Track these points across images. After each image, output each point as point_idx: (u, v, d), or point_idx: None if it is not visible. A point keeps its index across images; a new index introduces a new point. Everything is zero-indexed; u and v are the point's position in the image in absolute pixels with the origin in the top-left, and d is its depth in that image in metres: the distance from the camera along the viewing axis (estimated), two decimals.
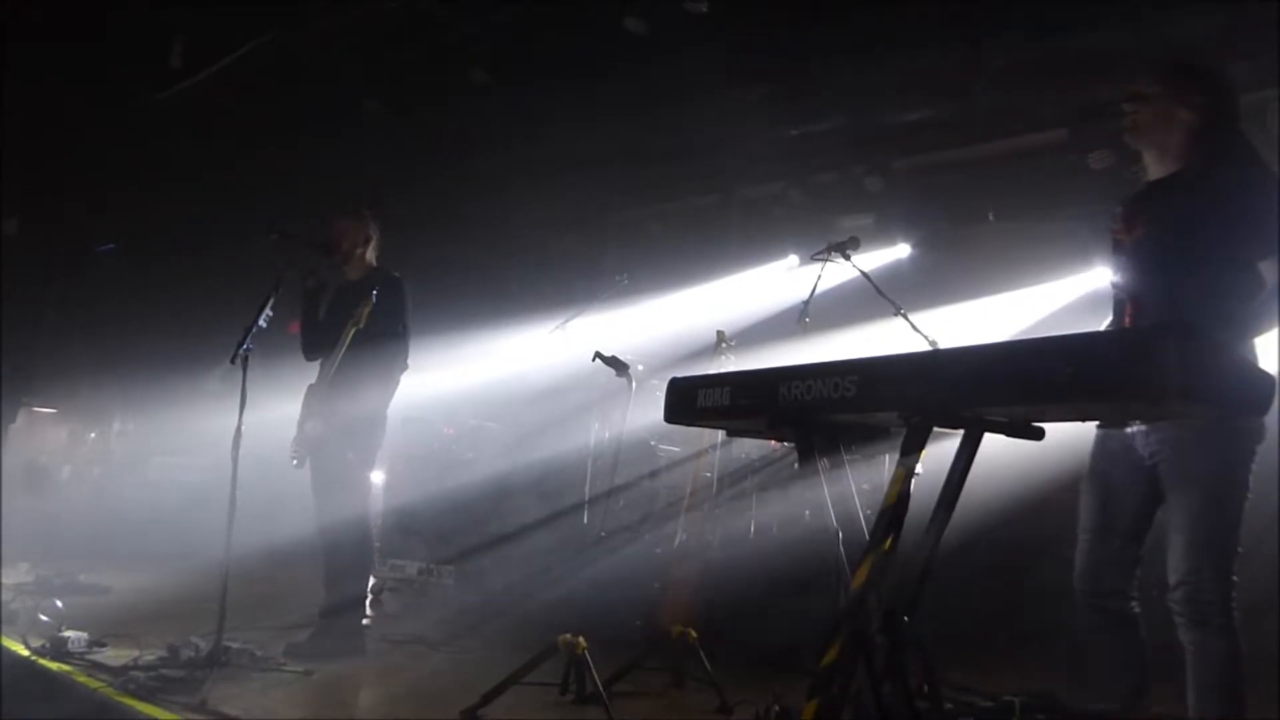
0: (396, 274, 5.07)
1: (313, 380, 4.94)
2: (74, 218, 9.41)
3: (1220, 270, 2.69)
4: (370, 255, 5.09)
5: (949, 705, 3.88)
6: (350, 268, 5.07)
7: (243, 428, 4.18)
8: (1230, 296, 2.68)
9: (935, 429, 2.15)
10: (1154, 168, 2.97)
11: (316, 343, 4.97)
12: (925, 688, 3.74)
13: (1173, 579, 2.78)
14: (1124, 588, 2.97)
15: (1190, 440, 2.73)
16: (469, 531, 6.37)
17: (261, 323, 4.23)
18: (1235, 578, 2.75)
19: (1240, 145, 2.86)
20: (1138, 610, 2.97)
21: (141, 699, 3.60)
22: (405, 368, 4.93)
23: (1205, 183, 2.78)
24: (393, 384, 4.93)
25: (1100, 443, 2.99)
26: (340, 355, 4.63)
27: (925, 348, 4.42)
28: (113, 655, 4.17)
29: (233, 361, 4.16)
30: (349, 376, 4.70)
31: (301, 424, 4.84)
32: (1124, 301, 2.73)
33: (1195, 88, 2.91)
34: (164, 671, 3.85)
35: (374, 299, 4.58)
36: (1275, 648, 3.66)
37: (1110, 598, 2.97)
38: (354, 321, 4.57)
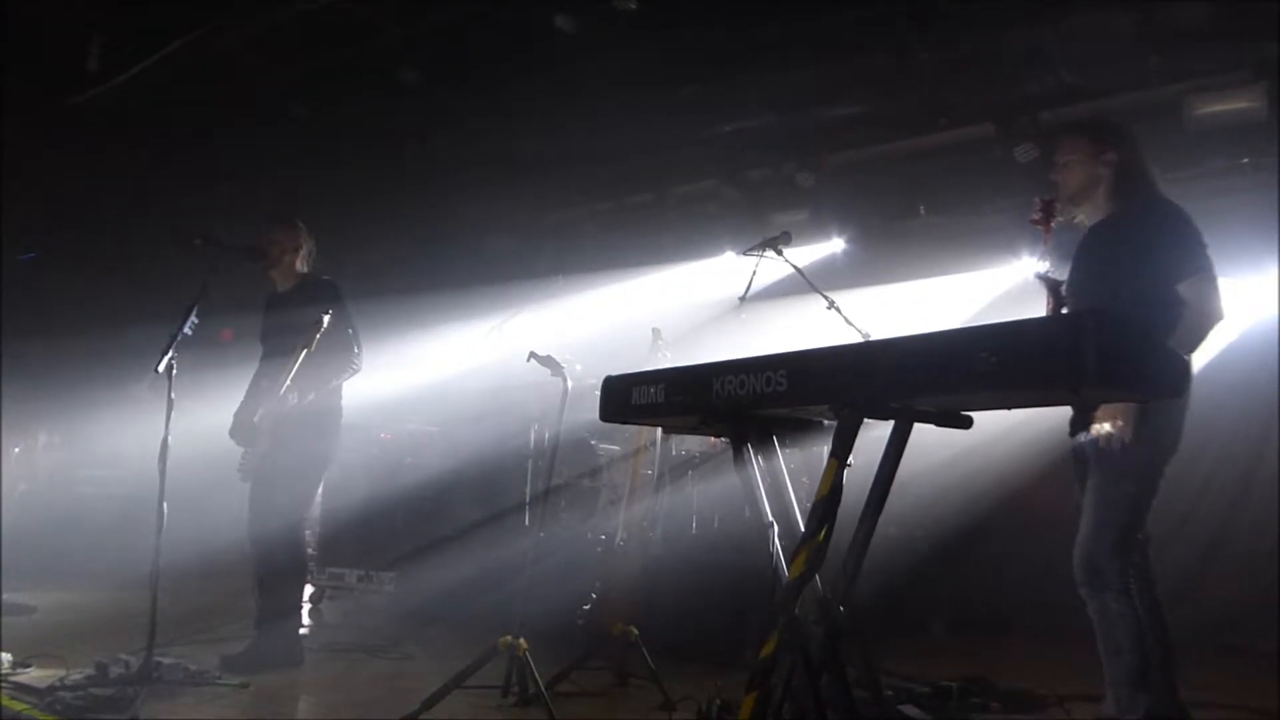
0: (327, 277, 4.99)
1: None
2: None
3: (1143, 294, 2.97)
4: (300, 264, 5.01)
5: (888, 692, 3.94)
6: (280, 276, 4.98)
7: (170, 438, 4.08)
8: (1157, 318, 2.93)
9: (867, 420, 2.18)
10: (1090, 216, 3.33)
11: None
12: (863, 676, 3.80)
13: (1076, 553, 3.08)
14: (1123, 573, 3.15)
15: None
16: (408, 537, 6.32)
17: (187, 330, 4.13)
18: (1135, 558, 3.04)
19: (1150, 185, 3.26)
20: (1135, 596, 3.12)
21: (69, 719, 3.50)
22: (358, 369, 4.86)
23: (1128, 222, 3.14)
24: (339, 391, 4.89)
25: (1073, 445, 3.29)
26: (291, 373, 4.52)
27: (858, 340, 4.47)
28: (38, 676, 4.04)
29: (158, 370, 4.06)
30: (301, 390, 4.61)
31: (246, 441, 4.74)
32: (1044, 292, 2.89)
33: (1109, 143, 3.29)
34: (92, 690, 3.75)
35: (325, 322, 4.48)
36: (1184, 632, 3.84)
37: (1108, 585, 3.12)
38: (304, 344, 4.48)
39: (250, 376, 4.98)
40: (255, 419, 4.66)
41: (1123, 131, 3.37)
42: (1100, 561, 2.99)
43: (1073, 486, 3.34)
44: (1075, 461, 3.33)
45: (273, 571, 4.70)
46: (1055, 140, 3.48)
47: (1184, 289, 2.97)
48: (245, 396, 4.90)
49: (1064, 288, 3.26)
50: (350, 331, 4.81)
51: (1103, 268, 3.13)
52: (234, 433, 4.79)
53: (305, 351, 4.47)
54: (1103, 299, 3.00)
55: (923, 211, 7.11)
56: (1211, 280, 3.01)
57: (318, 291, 4.83)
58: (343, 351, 4.75)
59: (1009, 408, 2.82)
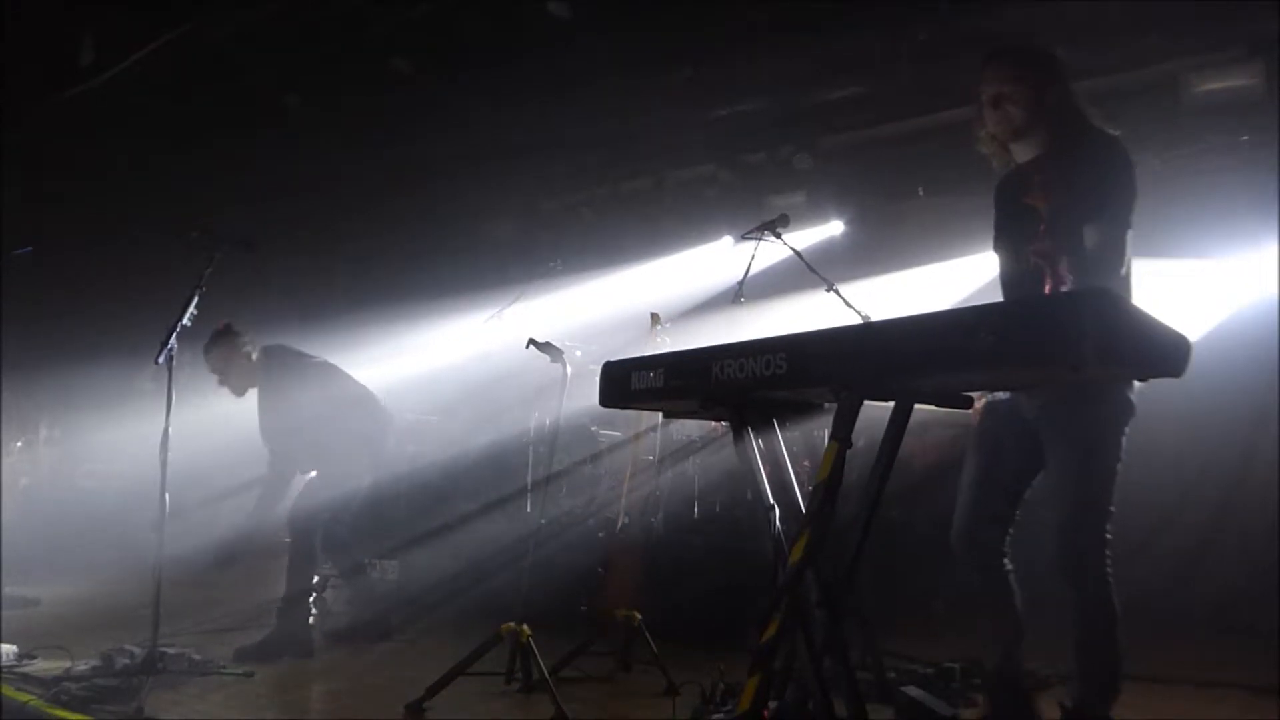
0: (271, 359, 5.06)
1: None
2: None
3: (1103, 241, 2.80)
4: (247, 368, 5.05)
5: (891, 674, 3.95)
6: (240, 388, 5.07)
7: (170, 429, 4.10)
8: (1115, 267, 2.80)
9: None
10: (1021, 152, 3.07)
11: None
12: (867, 658, 3.82)
13: (1056, 542, 2.87)
14: (999, 546, 3.06)
15: (1066, 406, 2.85)
16: (410, 525, 6.32)
17: (186, 321, 4.14)
18: (1109, 535, 2.85)
19: (1087, 117, 2.99)
20: (1010, 568, 3.05)
21: (75, 710, 3.51)
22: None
23: (1078, 154, 2.89)
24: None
25: (989, 404, 3.08)
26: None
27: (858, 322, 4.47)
28: (44, 668, 4.06)
29: (158, 362, 4.07)
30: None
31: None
32: (1043, 269, 2.80)
33: (1040, 67, 3.02)
34: (98, 681, 3.76)
35: None
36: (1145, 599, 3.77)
37: (988, 555, 3.05)
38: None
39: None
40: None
41: (1055, 56, 3.06)
42: (1087, 547, 2.83)
43: (990, 444, 3.07)
44: (990, 414, 3.06)
45: (291, 557, 4.84)
46: (982, 68, 3.06)
47: (1088, 231, 2.80)
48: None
49: (998, 235, 3.13)
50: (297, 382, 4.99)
51: (1052, 211, 2.87)
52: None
53: None
54: (1060, 247, 2.81)
55: (921, 193, 7.10)
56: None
57: (266, 378, 5.00)
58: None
59: (1010, 387, 2.83)
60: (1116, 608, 2.83)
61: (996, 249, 3.20)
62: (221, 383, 5.03)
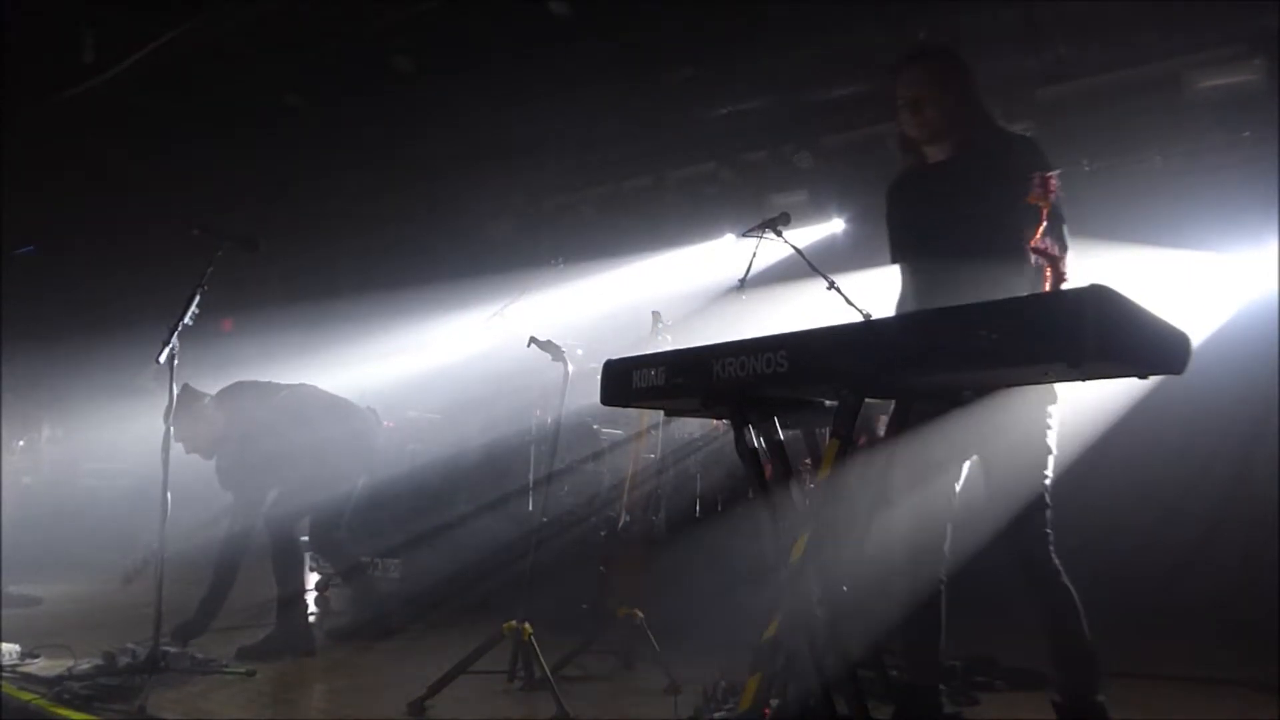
0: (226, 397, 5.04)
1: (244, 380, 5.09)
2: None
3: (1017, 240, 2.71)
4: (210, 415, 4.99)
5: (893, 672, 3.94)
6: (205, 449, 4.98)
7: (172, 429, 4.10)
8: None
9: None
10: (935, 153, 3.08)
11: None
12: (868, 656, 3.81)
13: (1013, 549, 2.86)
14: (938, 562, 3.05)
15: (1006, 412, 2.73)
16: (413, 523, 6.32)
17: (188, 320, 4.13)
18: (1049, 530, 2.86)
19: (992, 116, 3.04)
20: (944, 581, 3.05)
21: (77, 708, 3.52)
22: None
23: (1005, 154, 2.90)
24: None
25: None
26: None
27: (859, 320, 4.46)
28: (46, 666, 4.07)
29: (159, 361, 4.07)
30: None
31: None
32: (1042, 265, 2.78)
33: (957, 70, 3.05)
34: (100, 680, 3.76)
35: None
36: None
37: (928, 571, 3.05)
38: None
39: (248, 368, 5.03)
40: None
41: (963, 62, 3.08)
42: (1043, 545, 2.82)
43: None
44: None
45: (274, 559, 4.84)
46: (898, 73, 3.06)
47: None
48: None
49: (906, 236, 3.10)
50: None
51: (971, 210, 2.87)
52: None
53: None
54: (976, 246, 2.79)
55: None
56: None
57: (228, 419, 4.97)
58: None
59: (1010, 385, 2.81)
60: (1074, 592, 2.82)
61: (912, 251, 3.15)
62: (190, 449, 4.89)
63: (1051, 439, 2.89)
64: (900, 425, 2.30)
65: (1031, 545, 2.85)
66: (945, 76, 3.03)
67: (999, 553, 2.94)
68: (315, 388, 5.30)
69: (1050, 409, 2.91)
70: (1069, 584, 2.83)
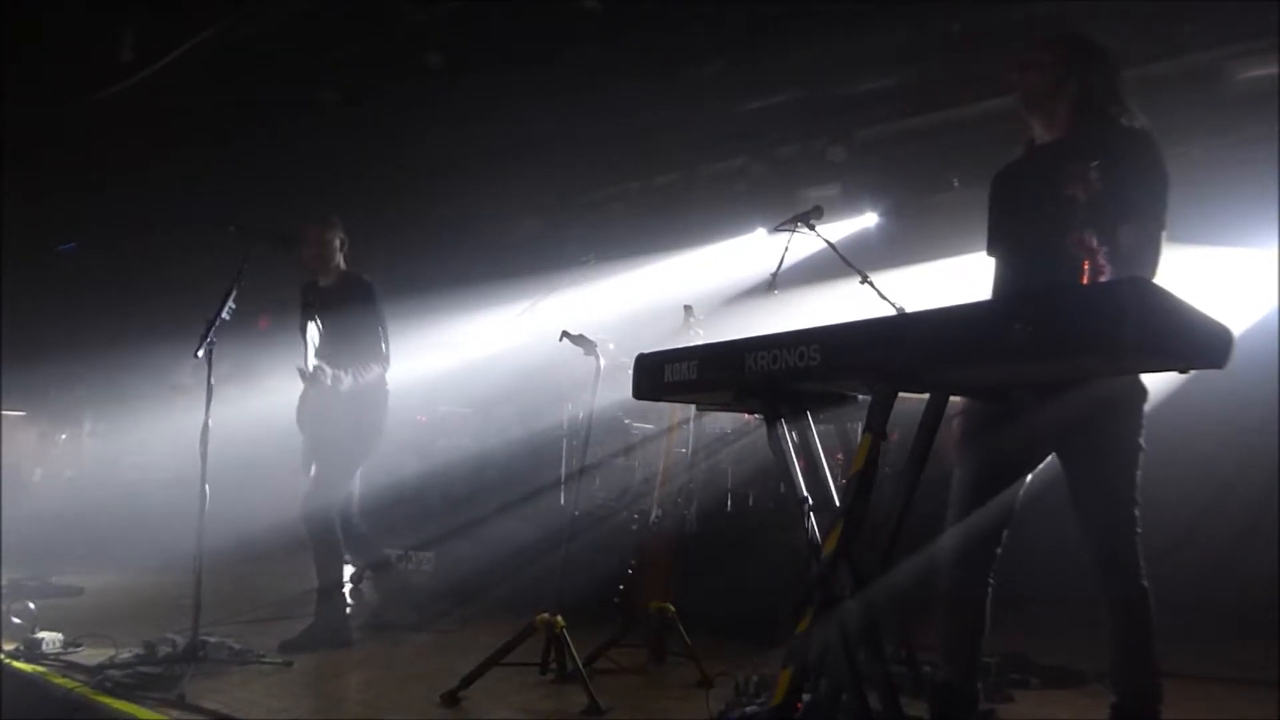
0: (367, 278, 5.08)
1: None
2: (27, 219, 9.23)
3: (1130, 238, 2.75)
4: (341, 261, 5.11)
5: (925, 668, 3.93)
6: (322, 271, 5.07)
7: (210, 422, 4.16)
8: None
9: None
10: (1040, 132, 3.08)
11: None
12: (901, 652, 3.80)
13: (1097, 547, 2.79)
14: (988, 567, 2.98)
15: (1097, 409, 2.72)
16: (446, 516, 6.37)
17: (225, 315, 4.20)
18: (1140, 530, 2.79)
19: (1108, 111, 2.94)
20: (990, 592, 2.99)
21: (118, 697, 3.58)
22: (386, 367, 5.01)
23: (1111, 148, 2.79)
24: (381, 389, 5.03)
25: (979, 412, 2.96)
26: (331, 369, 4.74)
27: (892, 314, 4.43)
28: (88, 655, 4.15)
29: (197, 355, 4.13)
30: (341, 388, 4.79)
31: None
32: (1081, 257, 2.74)
33: (1079, 54, 3.01)
34: (141, 669, 3.84)
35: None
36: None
37: (975, 577, 2.98)
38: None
39: (290, 365, 5.05)
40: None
41: (1102, 49, 3.04)
42: (1122, 545, 2.75)
43: (983, 455, 2.94)
44: (981, 437, 2.93)
45: (315, 552, 4.86)
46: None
47: (1125, 231, 2.73)
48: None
49: (993, 224, 3.08)
50: (380, 330, 4.97)
51: (1091, 202, 2.67)
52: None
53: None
54: (1102, 238, 2.60)
55: (956, 184, 7.03)
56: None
57: (357, 289, 4.99)
58: (371, 348, 4.91)
59: (1048, 379, 2.78)
60: (1152, 603, 2.78)
61: (1001, 239, 3.11)
62: (307, 260, 5.01)
63: (1143, 438, 2.82)
64: (934, 420, 2.27)
65: (1116, 544, 2.78)
66: (1054, 48, 3.03)
67: (1044, 550, 2.90)
68: None
69: (1145, 407, 2.84)
70: (1148, 587, 2.77)
